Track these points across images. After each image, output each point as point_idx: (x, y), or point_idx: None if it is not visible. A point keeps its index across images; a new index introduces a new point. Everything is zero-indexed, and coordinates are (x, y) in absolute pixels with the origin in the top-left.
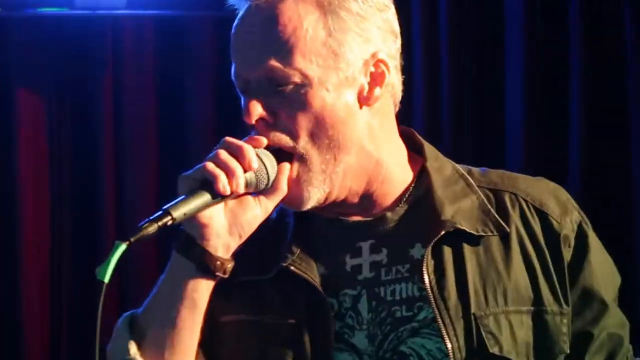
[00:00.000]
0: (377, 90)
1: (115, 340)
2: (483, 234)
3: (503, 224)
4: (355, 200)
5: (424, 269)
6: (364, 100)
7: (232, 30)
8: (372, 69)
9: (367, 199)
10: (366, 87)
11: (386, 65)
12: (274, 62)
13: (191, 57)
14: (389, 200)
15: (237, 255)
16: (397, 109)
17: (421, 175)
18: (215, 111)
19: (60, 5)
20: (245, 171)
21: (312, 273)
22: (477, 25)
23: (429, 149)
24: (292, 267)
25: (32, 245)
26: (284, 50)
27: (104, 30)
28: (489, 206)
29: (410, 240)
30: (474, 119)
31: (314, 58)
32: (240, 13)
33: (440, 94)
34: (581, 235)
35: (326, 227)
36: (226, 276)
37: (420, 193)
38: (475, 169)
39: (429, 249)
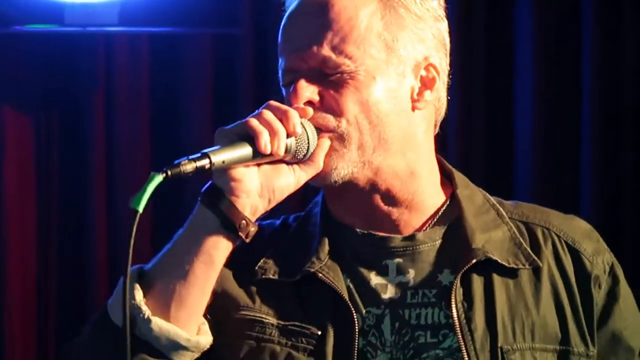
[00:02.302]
0: (428, 94)
1: (118, 291)
2: (514, 266)
3: (535, 257)
4: (384, 204)
5: (453, 296)
6: (414, 101)
7: (283, 22)
8: (423, 73)
9: (397, 208)
10: (416, 89)
11: (437, 71)
12: (326, 50)
13: (186, 76)
14: (419, 219)
15: (264, 253)
16: (437, 130)
17: (452, 201)
18: (212, 131)
19: (49, 21)
20: (288, 135)
21: (340, 283)
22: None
23: (459, 176)
24: (320, 274)
25: (18, 268)
26: (338, 37)
27: (96, 48)
28: (521, 239)
29: (439, 266)
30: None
31: (367, 48)
32: (293, 4)
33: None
34: (613, 279)
35: (355, 239)
36: (248, 240)
37: (452, 218)
38: (506, 201)
39: (459, 276)
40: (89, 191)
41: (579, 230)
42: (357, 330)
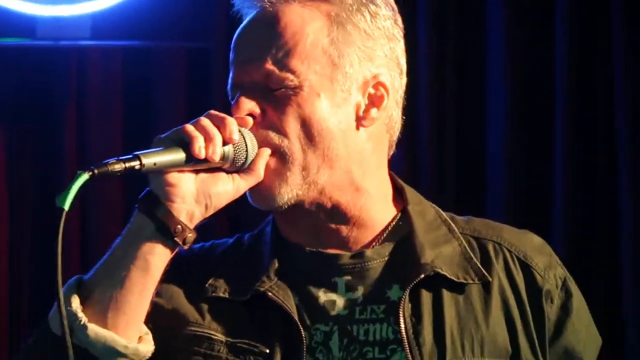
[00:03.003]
0: (374, 112)
1: (57, 301)
2: (464, 281)
3: (485, 272)
4: (331, 221)
5: (401, 311)
6: (359, 119)
7: (235, 36)
8: (372, 91)
9: (345, 224)
10: (363, 106)
11: (386, 89)
12: (269, 64)
13: (160, 89)
14: (368, 235)
15: (215, 271)
16: (392, 151)
17: (403, 216)
18: None
19: (21, 35)
20: (224, 142)
21: (289, 302)
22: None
23: (411, 192)
24: (269, 293)
25: None
26: (282, 51)
27: (68, 61)
28: (471, 253)
29: (388, 281)
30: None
31: (311, 64)
32: (246, 19)
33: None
34: (566, 293)
35: (303, 258)
36: (185, 247)
37: (401, 234)
38: (459, 217)
39: (407, 291)
40: None
41: (531, 245)
42: (305, 347)
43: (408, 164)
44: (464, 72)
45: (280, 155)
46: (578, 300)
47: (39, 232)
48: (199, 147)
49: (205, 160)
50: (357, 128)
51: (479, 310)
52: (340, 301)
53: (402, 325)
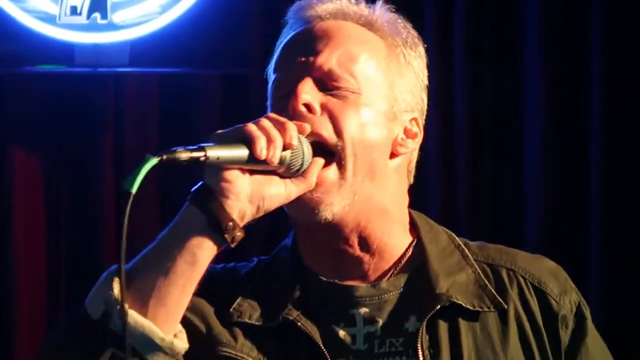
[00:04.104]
0: (410, 142)
1: (96, 286)
2: (479, 309)
3: (500, 299)
4: (355, 248)
5: (419, 343)
6: (396, 144)
7: (285, 41)
8: (408, 125)
9: (366, 251)
10: (401, 134)
11: (419, 127)
12: (333, 62)
13: (196, 116)
14: (384, 265)
15: (239, 294)
16: (411, 180)
17: (418, 245)
18: None
19: (59, 62)
20: (284, 147)
21: (314, 333)
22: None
23: (421, 220)
24: (298, 323)
25: (27, 316)
26: (345, 56)
27: (106, 88)
28: (486, 281)
29: (405, 313)
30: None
31: (371, 77)
32: (300, 27)
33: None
34: (580, 318)
35: (320, 289)
36: (232, 245)
37: (416, 264)
38: (472, 243)
39: (424, 323)
40: (99, 231)
41: (546, 271)
42: None
43: (445, 191)
44: (500, 99)
45: (338, 164)
46: (592, 325)
47: (76, 257)
48: (261, 148)
49: (264, 161)
50: (394, 150)
51: (496, 339)
52: (359, 335)
53: (421, 358)
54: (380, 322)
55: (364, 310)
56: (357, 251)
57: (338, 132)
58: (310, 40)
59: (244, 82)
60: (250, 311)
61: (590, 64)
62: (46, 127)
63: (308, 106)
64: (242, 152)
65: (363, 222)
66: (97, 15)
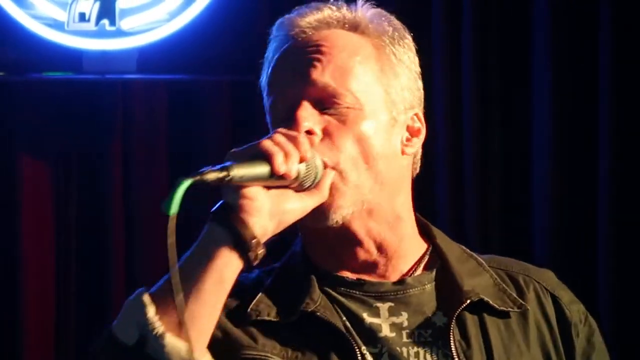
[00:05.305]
0: (416, 141)
1: (125, 310)
2: (504, 308)
3: (521, 300)
4: (373, 252)
5: (451, 335)
6: (404, 145)
7: (275, 60)
8: (410, 122)
9: (385, 256)
10: (406, 134)
11: (421, 122)
12: (328, 78)
13: (204, 123)
14: (406, 263)
15: (253, 297)
16: (414, 175)
17: (433, 249)
18: None
19: (66, 69)
20: (300, 160)
21: (337, 322)
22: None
23: (435, 229)
24: (318, 313)
25: (36, 321)
26: (339, 71)
27: (114, 95)
28: (504, 284)
29: (431, 308)
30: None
31: (366, 87)
32: (287, 43)
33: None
34: (589, 328)
35: (344, 284)
36: (255, 263)
37: (437, 265)
38: (481, 255)
39: (455, 316)
40: (107, 238)
41: (554, 281)
42: None
43: (452, 198)
44: (508, 107)
45: (339, 175)
46: (599, 337)
47: (85, 263)
48: (279, 163)
49: (281, 176)
50: (402, 154)
51: (520, 338)
52: (385, 325)
53: (454, 349)
54: (406, 315)
55: (389, 304)
56: (374, 255)
57: (337, 153)
58: (299, 59)
59: (252, 89)
60: (267, 309)
61: (599, 74)
62: (54, 134)
63: (310, 132)
64: (263, 169)
65: (376, 228)
66: (105, 22)
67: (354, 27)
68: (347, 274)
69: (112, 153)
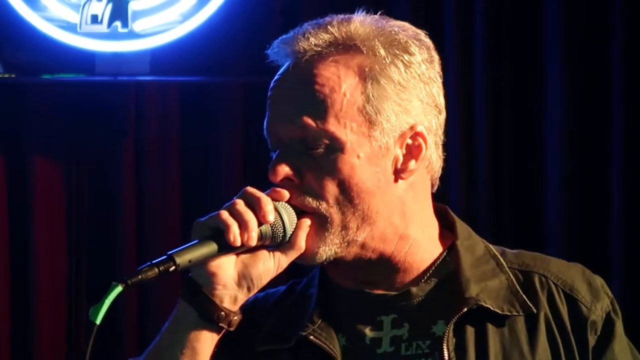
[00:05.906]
0: (412, 164)
1: None
2: (508, 313)
3: (530, 304)
4: (376, 269)
5: (445, 345)
6: (398, 172)
7: (270, 86)
8: (409, 142)
9: (390, 270)
10: (401, 159)
11: (424, 139)
12: (307, 120)
13: (216, 124)
14: (413, 274)
15: (265, 324)
16: (436, 187)
17: (450, 252)
18: (243, 180)
19: (79, 71)
20: (260, 224)
21: (332, 344)
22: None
23: (462, 227)
24: (311, 337)
25: (47, 322)
26: (319, 109)
27: (126, 97)
28: (518, 286)
29: (433, 317)
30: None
31: (348, 123)
32: (280, 70)
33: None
34: (608, 322)
35: (349, 299)
36: (231, 329)
37: (448, 270)
38: (509, 251)
39: (451, 325)
40: (119, 240)
41: (579, 278)
42: None
43: (465, 201)
44: (520, 110)
45: (319, 218)
46: (620, 329)
47: (96, 265)
48: (234, 236)
49: (242, 246)
50: (396, 181)
51: (525, 343)
52: (386, 338)
53: (447, 359)
54: (408, 325)
55: (392, 316)
56: (381, 269)
57: (318, 199)
58: (285, 94)
59: (264, 90)
60: (270, 337)
61: (611, 70)
62: (67, 136)
63: (288, 178)
64: (211, 248)
65: (375, 254)
66: (117, 23)
67: (346, 48)
68: (354, 286)
69: (125, 155)
